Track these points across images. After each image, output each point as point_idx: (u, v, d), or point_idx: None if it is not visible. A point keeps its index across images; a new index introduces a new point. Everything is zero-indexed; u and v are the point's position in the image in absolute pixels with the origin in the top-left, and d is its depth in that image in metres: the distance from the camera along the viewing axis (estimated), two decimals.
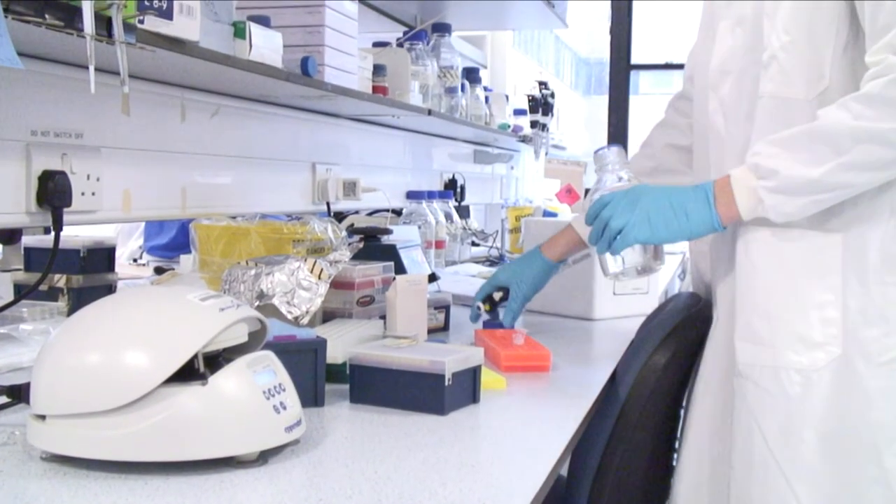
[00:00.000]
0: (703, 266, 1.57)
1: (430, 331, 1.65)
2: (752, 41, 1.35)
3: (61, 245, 1.46)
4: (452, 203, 3.10)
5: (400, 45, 2.54)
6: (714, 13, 1.46)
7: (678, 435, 1.54)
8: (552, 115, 4.00)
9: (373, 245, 1.93)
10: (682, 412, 1.52)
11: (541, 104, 3.98)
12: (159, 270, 2.34)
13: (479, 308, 1.72)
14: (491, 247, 3.28)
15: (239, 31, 1.54)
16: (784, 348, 1.30)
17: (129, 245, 2.81)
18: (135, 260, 2.74)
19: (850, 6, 1.26)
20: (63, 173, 1.47)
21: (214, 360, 0.96)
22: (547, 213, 3.41)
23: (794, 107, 1.30)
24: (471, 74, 3.11)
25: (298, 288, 1.37)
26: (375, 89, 2.16)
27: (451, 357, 1.18)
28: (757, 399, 1.33)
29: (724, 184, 1.31)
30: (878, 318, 1.28)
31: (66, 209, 1.48)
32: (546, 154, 4.20)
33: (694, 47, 1.59)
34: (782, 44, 1.30)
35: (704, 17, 1.53)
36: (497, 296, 1.72)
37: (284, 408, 0.97)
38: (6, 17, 1.01)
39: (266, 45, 1.60)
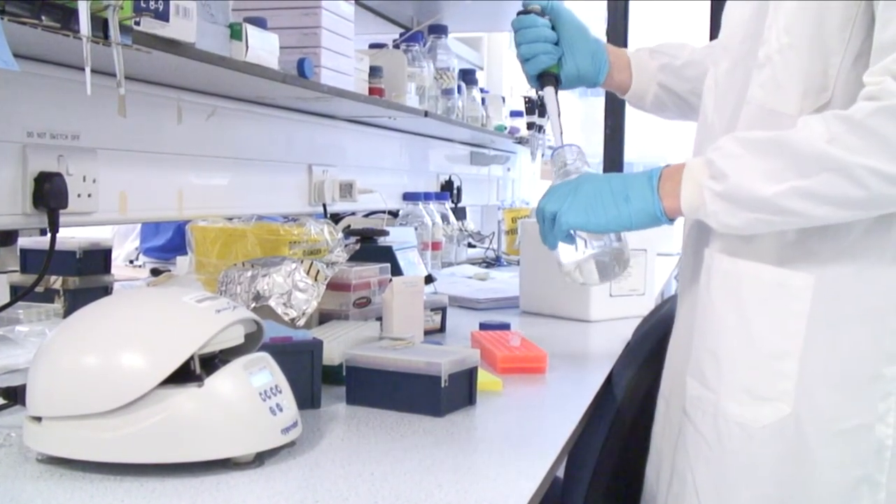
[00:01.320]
0: None
1: (427, 332, 1.65)
2: (755, 26, 1.17)
3: (57, 247, 1.46)
4: (449, 205, 3.10)
5: (396, 46, 2.54)
6: None
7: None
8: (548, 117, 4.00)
9: (369, 246, 1.93)
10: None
11: (537, 106, 3.98)
12: (156, 272, 2.34)
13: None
14: (487, 248, 3.28)
15: (235, 33, 1.54)
16: (727, 397, 1.16)
17: (125, 247, 2.81)
18: (131, 261, 2.74)
19: (869, 6, 1.07)
20: (59, 175, 1.47)
21: (211, 362, 0.96)
22: None
23: (783, 121, 1.11)
24: (467, 76, 3.11)
25: (295, 289, 1.37)
26: (372, 91, 2.16)
27: (448, 359, 1.18)
28: (695, 445, 1.21)
29: (675, 171, 1.16)
30: (842, 378, 1.11)
31: (62, 211, 1.48)
32: (542, 156, 4.20)
33: None
34: (780, 45, 1.12)
35: None
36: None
37: (281, 409, 0.97)
38: (2, 18, 1.01)
39: (262, 47, 1.60)
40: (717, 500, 1.18)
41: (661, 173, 1.18)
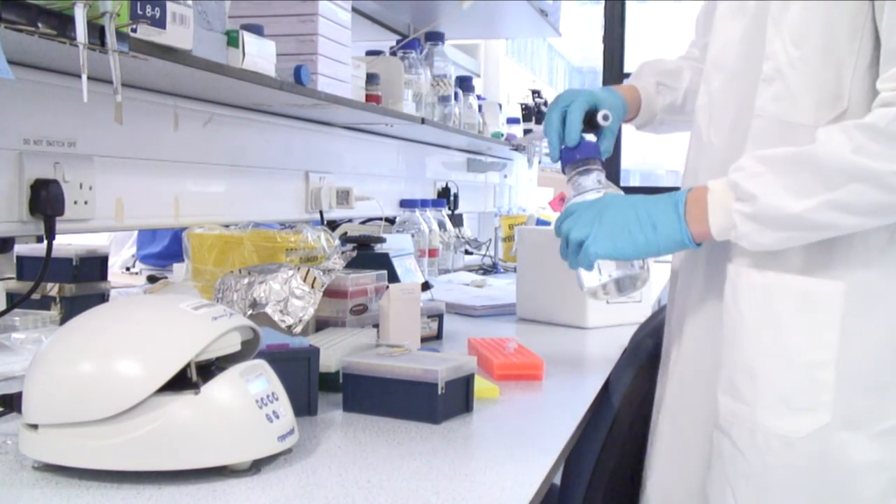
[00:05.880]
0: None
1: (424, 339, 1.65)
2: (751, 41, 1.19)
3: (54, 254, 1.46)
4: (446, 211, 3.11)
5: (393, 53, 2.54)
6: None
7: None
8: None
9: (366, 253, 1.93)
10: (649, 436, 1.42)
11: (534, 113, 3.98)
12: (152, 279, 2.34)
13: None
14: (484, 255, 3.28)
15: (232, 40, 1.55)
16: (764, 409, 1.16)
17: (121, 254, 2.81)
18: (128, 268, 2.74)
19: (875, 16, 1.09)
20: (56, 182, 1.47)
21: (207, 369, 0.96)
22: (540, 222, 3.42)
23: (799, 133, 1.12)
24: (464, 83, 3.11)
25: (291, 296, 1.37)
26: (369, 98, 2.16)
27: (444, 366, 1.18)
28: (732, 460, 1.19)
29: (699, 196, 1.16)
30: (876, 383, 1.12)
31: (58, 218, 1.48)
32: (539, 163, 4.20)
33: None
34: (790, 59, 1.13)
35: None
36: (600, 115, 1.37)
37: (277, 416, 0.97)
38: None
39: (259, 54, 1.60)
40: None
41: (685, 198, 1.18)
